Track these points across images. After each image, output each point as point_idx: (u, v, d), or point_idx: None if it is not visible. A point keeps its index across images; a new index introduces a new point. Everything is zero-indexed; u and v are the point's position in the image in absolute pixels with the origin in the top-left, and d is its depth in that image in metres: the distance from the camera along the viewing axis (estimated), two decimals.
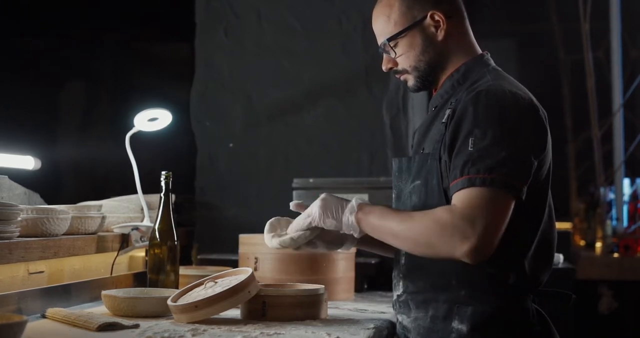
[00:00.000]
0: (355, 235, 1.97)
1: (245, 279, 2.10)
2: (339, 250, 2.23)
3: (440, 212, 1.84)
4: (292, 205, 2.11)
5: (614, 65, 4.97)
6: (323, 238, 2.07)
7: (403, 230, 1.89)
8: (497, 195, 1.83)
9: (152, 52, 4.77)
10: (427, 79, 2.09)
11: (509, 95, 1.92)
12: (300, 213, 2.07)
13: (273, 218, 2.11)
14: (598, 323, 4.26)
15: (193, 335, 1.90)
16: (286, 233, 2.06)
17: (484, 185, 1.83)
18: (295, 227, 2.04)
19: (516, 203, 1.86)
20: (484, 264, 1.85)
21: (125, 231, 2.69)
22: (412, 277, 2.02)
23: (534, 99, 1.99)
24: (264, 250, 2.64)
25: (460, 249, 1.81)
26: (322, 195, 2.01)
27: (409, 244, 1.92)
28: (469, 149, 1.87)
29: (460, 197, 1.85)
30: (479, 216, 1.81)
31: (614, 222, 4.76)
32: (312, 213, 2.00)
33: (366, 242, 2.13)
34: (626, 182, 4.94)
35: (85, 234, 2.52)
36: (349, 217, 1.96)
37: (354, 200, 1.98)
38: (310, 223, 2.00)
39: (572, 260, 4.10)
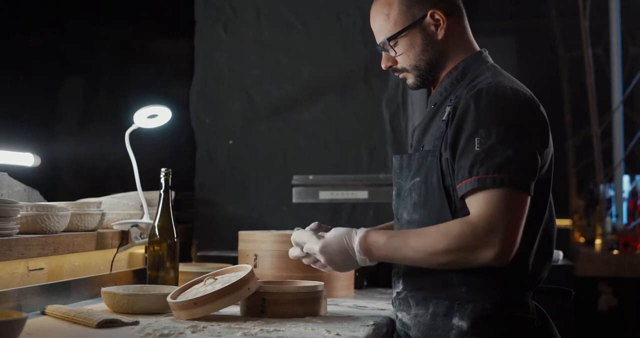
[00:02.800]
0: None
1: (245, 276, 2.10)
2: None
3: (457, 228, 1.84)
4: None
5: (613, 62, 4.97)
6: None
7: (423, 258, 1.90)
8: (510, 195, 1.83)
9: (152, 48, 4.76)
10: (427, 78, 2.09)
11: (510, 91, 1.92)
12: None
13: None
14: (597, 320, 4.27)
15: (192, 332, 1.90)
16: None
17: (495, 185, 1.83)
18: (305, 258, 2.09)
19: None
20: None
21: (125, 228, 2.69)
22: (412, 275, 2.02)
23: (534, 96, 1.99)
24: (263, 247, 2.65)
25: (485, 257, 1.83)
26: (320, 247, 2.01)
27: (432, 265, 1.92)
28: (476, 148, 1.87)
29: (474, 204, 1.85)
30: (498, 221, 1.81)
31: (614, 219, 4.76)
32: (323, 263, 2.03)
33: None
34: (625, 179, 4.94)
35: (85, 231, 2.52)
36: (360, 258, 1.98)
37: (355, 244, 1.97)
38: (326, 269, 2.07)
39: (572, 257, 4.10)
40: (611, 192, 4.89)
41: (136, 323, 2.01)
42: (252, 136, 3.49)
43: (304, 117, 3.46)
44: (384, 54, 2.12)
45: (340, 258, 2.00)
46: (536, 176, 1.90)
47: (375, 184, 3.23)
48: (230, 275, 2.19)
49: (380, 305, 2.48)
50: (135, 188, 2.75)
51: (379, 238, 1.95)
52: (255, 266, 2.63)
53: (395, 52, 2.08)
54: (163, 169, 2.49)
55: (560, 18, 5.40)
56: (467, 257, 1.84)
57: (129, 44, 4.75)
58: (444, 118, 1.97)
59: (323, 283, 2.26)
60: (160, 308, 2.17)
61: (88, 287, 2.49)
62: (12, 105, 4.39)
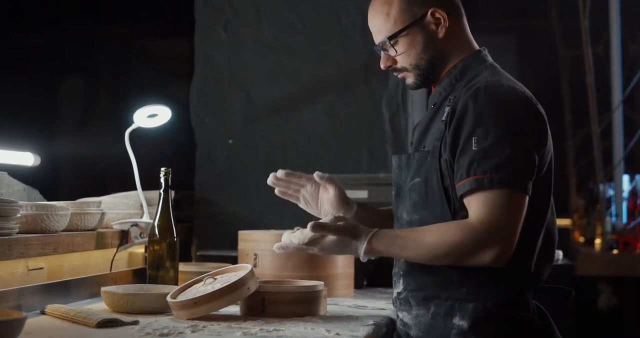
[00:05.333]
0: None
1: (245, 275, 2.10)
2: None
3: (459, 234, 1.85)
4: (317, 177, 2.15)
5: (613, 61, 4.96)
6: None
7: (424, 261, 1.93)
8: (508, 196, 1.84)
9: (152, 48, 4.76)
10: (428, 77, 2.09)
11: (508, 90, 1.93)
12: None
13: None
14: (597, 320, 4.26)
15: (192, 332, 1.90)
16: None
17: (492, 186, 1.83)
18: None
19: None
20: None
21: (125, 227, 2.69)
22: (413, 275, 2.02)
23: (532, 94, 1.99)
24: (263, 247, 2.65)
25: (485, 259, 1.85)
26: (320, 248, 2.00)
27: (432, 263, 1.94)
28: (473, 148, 1.87)
29: (473, 205, 1.86)
30: (497, 224, 1.83)
31: (613, 219, 4.75)
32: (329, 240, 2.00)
33: None
34: (625, 178, 4.93)
35: (85, 230, 2.52)
36: (363, 257, 1.98)
37: (361, 249, 1.95)
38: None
39: (572, 256, 4.10)
40: (611, 192, 4.89)
41: (136, 322, 2.01)
42: (252, 136, 3.49)
43: (304, 117, 3.46)
44: (383, 53, 2.11)
45: (344, 246, 1.98)
46: (534, 176, 1.89)
47: (375, 183, 3.23)
48: (230, 275, 2.19)
49: (380, 305, 2.48)
50: (135, 188, 2.75)
51: (382, 244, 1.95)
52: (255, 265, 2.63)
53: (396, 51, 2.07)
54: (163, 169, 2.49)
55: (560, 18, 5.39)
56: (467, 258, 1.86)
57: (129, 43, 4.76)
58: (443, 118, 1.97)
59: (323, 282, 2.26)
60: (160, 308, 2.17)
61: (88, 286, 2.49)
62: (12, 105, 4.39)
